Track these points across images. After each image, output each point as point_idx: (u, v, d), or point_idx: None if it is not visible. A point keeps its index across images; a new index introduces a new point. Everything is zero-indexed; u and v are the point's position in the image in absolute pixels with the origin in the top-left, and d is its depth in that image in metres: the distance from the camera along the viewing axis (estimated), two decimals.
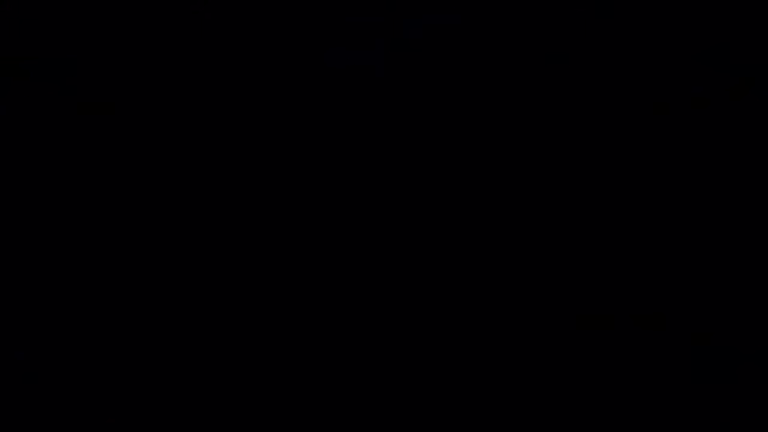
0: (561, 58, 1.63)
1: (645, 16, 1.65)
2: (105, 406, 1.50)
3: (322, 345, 1.53)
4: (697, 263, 1.55)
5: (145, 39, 1.66)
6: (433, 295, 1.55)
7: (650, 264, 1.56)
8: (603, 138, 1.61)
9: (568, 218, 1.58)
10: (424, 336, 1.54)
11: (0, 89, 1.62)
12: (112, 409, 1.50)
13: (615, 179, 1.59)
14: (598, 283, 1.55)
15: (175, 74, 1.64)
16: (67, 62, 1.65)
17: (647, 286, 1.55)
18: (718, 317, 1.52)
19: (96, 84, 1.64)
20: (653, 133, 1.60)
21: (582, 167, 1.60)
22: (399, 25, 1.64)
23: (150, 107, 1.63)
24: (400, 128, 1.63)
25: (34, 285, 1.55)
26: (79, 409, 1.50)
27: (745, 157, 1.58)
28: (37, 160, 1.60)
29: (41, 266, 1.56)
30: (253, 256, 1.58)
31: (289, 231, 1.59)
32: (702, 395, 1.48)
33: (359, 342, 1.54)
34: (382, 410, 1.50)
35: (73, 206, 1.59)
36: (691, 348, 1.51)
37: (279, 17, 1.68)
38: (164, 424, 1.49)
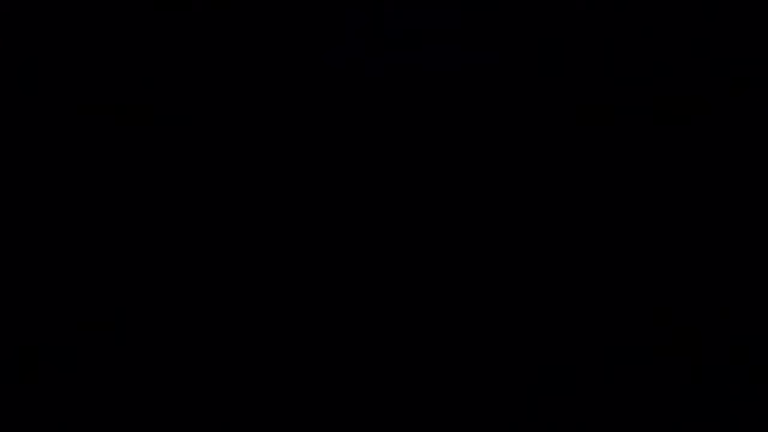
0: (554, 56, 1.64)
1: (645, 16, 1.65)
2: (105, 405, 1.50)
3: (322, 345, 1.53)
4: (696, 264, 1.55)
5: (146, 40, 1.67)
6: (432, 294, 1.55)
7: (650, 264, 1.56)
8: (603, 138, 1.61)
9: (570, 219, 1.58)
10: (423, 336, 1.54)
11: (4, 93, 1.63)
12: (111, 408, 1.50)
13: (614, 179, 1.59)
14: (598, 284, 1.55)
15: (177, 77, 1.65)
16: (68, 63, 1.65)
17: (647, 287, 1.55)
18: (717, 318, 1.52)
19: (98, 85, 1.64)
20: (653, 133, 1.60)
21: (581, 167, 1.60)
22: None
23: (155, 109, 1.63)
24: (399, 131, 1.63)
25: (39, 285, 1.55)
26: (79, 408, 1.50)
27: (744, 157, 1.58)
28: (37, 160, 1.60)
29: (48, 266, 1.57)
30: (253, 255, 1.58)
31: (290, 231, 1.59)
32: (701, 398, 1.48)
33: (359, 342, 1.54)
34: (382, 410, 1.50)
35: (72, 206, 1.59)
36: (691, 349, 1.51)
37: (279, 17, 1.68)
38: (164, 424, 1.49)
